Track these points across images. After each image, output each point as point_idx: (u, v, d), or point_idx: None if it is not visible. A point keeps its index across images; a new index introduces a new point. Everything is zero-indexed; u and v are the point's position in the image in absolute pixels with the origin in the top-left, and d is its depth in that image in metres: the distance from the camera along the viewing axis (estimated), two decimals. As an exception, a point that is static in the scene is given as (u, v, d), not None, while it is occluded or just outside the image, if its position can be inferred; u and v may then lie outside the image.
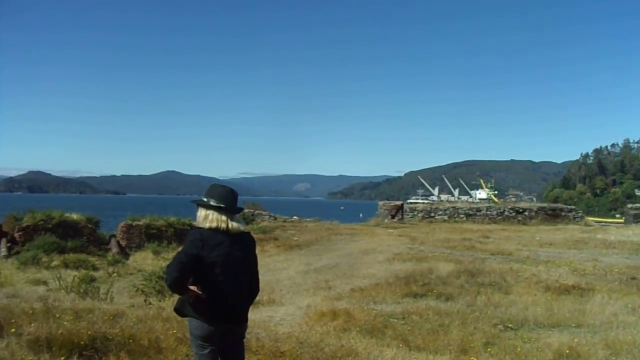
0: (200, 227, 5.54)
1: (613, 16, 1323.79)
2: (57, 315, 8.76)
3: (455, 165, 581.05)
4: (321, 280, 17.63)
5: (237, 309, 5.54)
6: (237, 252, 5.49)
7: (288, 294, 15.59)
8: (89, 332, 7.82)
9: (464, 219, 45.80)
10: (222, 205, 5.53)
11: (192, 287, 5.28)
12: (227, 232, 5.48)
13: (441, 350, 9.50)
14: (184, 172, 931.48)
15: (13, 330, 7.81)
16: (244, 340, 5.87)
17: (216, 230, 5.46)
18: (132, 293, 17.13)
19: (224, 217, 5.52)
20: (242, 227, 5.66)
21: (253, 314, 9.87)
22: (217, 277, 5.34)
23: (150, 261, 28.16)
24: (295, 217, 45.44)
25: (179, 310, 5.57)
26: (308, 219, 43.61)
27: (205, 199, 5.62)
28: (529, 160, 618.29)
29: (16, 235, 32.74)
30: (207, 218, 5.54)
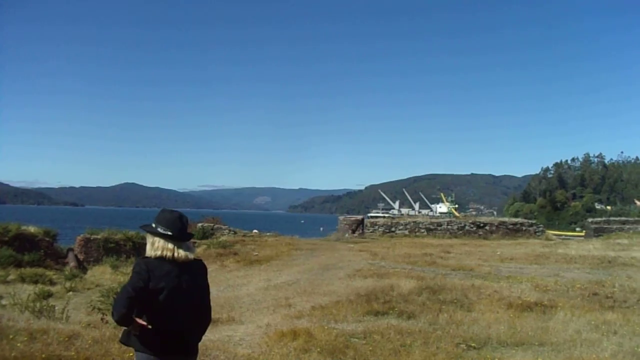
0: (147, 257, 5.28)
1: (568, 39, 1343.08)
2: (11, 337, 8.51)
3: (415, 179, 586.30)
4: (281, 297, 17.44)
5: (185, 340, 5.29)
6: (185, 281, 5.24)
7: (248, 312, 15.36)
8: (43, 355, 7.60)
9: (425, 233, 45.92)
10: (169, 233, 5.30)
11: (138, 320, 5.06)
12: (174, 261, 5.24)
13: (404, 371, 9.39)
14: (143, 184, 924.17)
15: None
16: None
17: (162, 259, 5.23)
18: (89, 310, 16.84)
19: (170, 246, 5.27)
20: (191, 255, 5.37)
21: (211, 334, 9.68)
22: (164, 308, 5.11)
23: (109, 275, 27.90)
24: (255, 230, 45.28)
25: (125, 342, 5.32)
26: (268, 234, 43.47)
27: (154, 225, 5.39)
28: (490, 174, 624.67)
29: (-30, 248, 32.19)
30: (154, 246, 5.30)
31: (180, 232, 5.35)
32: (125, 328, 5.23)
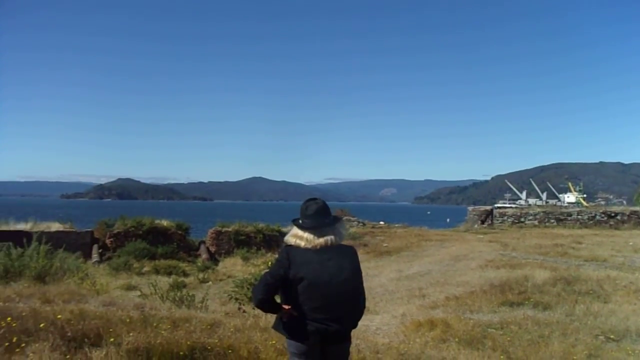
0: (290, 245, 5.27)
1: None
2: (155, 324, 8.67)
3: (542, 169, 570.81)
4: (414, 287, 17.35)
5: (332, 328, 5.16)
6: (329, 268, 5.15)
7: (382, 302, 15.34)
8: (188, 342, 7.69)
9: (555, 223, 44.88)
10: (311, 222, 5.29)
11: (285, 307, 5.10)
12: (316, 248, 5.19)
13: (544, 362, 9.13)
14: (270, 178, 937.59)
15: (112, 339, 7.71)
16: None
17: (305, 248, 5.20)
18: (224, 299, 17.07)
19: (306, 234, 5.24)
20: (334, 241, 5.29)
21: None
22: (307, 296, 5.08)
23: (240, 267, 28.18)
24: (382, 222, 45.16)
25: (277, 329, 5.36)
26: (396, 225, 43.33)
27: (299, 217, 5.40)
28: (619, 162, 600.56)
29: (107, 241, 33.41)
30: (296, 235, 5.29)
31: (315, 220, 5.31)
32: (276, 315, 5.27)
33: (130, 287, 21.11)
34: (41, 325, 8.10)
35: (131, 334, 7.94)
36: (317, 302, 5.09)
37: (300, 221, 5.34)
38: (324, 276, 5.11)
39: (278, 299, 5.24)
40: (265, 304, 5.08)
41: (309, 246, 5.18)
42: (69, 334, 7.88)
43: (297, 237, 5.25)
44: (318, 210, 5.37)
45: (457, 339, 10.29)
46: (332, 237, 5.28)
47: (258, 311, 11.03)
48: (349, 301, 5.31)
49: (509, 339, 10.41)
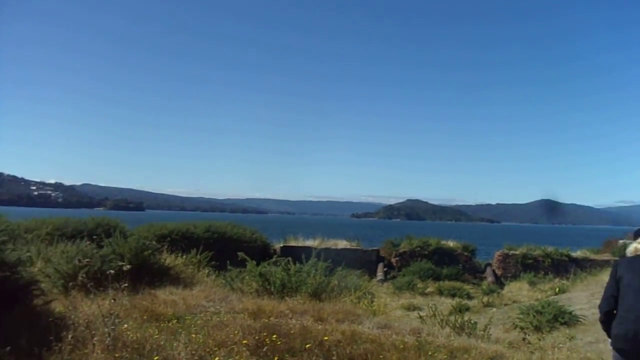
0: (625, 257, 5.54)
1: None
2: (430, 353, 7.91)
3: None
4: None
5: None
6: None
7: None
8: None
9: None
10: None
11: None
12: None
13: None
14: (559, 201, 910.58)
15: (378, 367, 7.06)
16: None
17: (635, 257, 5.44)
18: (508, 326, 16.12)
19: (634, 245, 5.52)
20: None
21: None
22: (622, 302, 5.23)
23: (526, 292, 27.26)
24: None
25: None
26: None
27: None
28: None
29: (393, 260, 33.75)
30: (632, 247, 5.49)
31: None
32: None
33: (411, 308, 20.88)
34: (307, 345, 7.65)
35: (400, 363, 7.25)
36: (629, 310, 5.19)
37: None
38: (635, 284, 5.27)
39: None
40: (609, 316, 5.40)
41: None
42: (334, 357, 7.35)
43: (634, 248, 5.58)
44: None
45: None
46: None
47: (544, 343, 9.87)
48: None
49: None
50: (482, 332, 11.27)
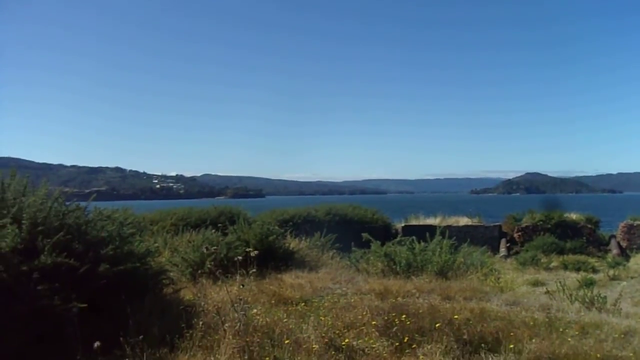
0: None
1: None
2: (561, 330, 7.84)
3: None
4: None
5: None
6: None
7: None
8: (598, 355, 6.71)
9: None
10: None
11: None
12: None
13: None
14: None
15: (512, 345, 7.04)
16: None
17: None
18: (637, 300, 15.71)
19: None
20: None
21: None
22: None
23: (653, 264, 26.26)
24: None
25: None
26: None
27: None
28: None
29: (515, 235, 33.42)
30: None
31: None
32: None
33: (537, 283, 20.60)
34: (436, 324, 7.72)
35: (534, 340, 7.21)
36: None
37: None
38: None
39: None
40: None
41: None
42: (465, 336, 7.38)
43: None
44: None
45: None
46: None
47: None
48: None
49: None
50: (612, 307, 11.05)
